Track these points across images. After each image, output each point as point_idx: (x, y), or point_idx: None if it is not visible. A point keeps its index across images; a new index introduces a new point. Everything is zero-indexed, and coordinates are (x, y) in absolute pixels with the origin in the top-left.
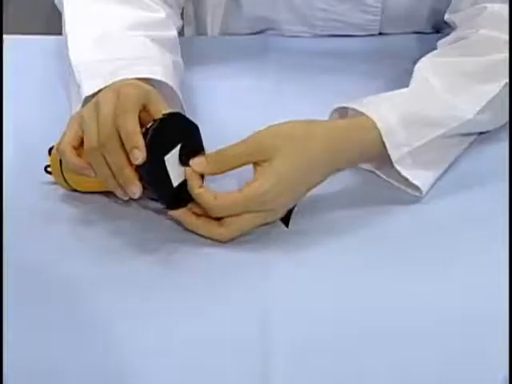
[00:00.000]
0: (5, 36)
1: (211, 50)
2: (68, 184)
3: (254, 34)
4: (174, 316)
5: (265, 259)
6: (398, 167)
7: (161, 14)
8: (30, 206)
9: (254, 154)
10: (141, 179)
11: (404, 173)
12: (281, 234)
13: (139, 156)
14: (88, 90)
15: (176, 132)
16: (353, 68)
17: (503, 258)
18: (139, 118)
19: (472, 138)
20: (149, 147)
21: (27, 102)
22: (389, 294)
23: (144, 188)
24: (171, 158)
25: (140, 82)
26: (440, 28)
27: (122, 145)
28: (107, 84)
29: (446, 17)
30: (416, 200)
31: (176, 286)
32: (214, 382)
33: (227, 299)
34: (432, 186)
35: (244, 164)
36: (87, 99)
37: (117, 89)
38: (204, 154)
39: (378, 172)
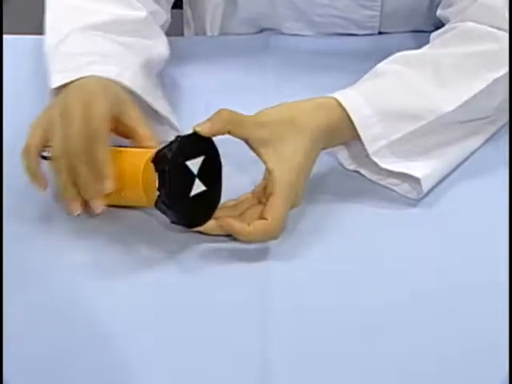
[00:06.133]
0: (4, 36)
1: (212, 49)
2: None
3: (255, 33)
4: (174, 316)
5: (266, 259)
6: (375, 159)
7: (142, 12)
8: (28, 207)
9: (253, 128)
10: (159, 188)
11: (383, 164)
12: (282, 234)
13: (109, 186)
14: (55, 81)
15: (201, 146)
16: (353, 67)
17: (503, 256)
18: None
19: (469, 125)
20: (175, 151)
21: (26, 101)
22: (390, 293)
23: (159, 203)
24: (193, 166)
25: (110, 87)
26: (441, 26)
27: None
28: (73, 79)
29: (439, 12)
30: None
31: (176, 286)
32: (215, 383)
33: (227, 299)
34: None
35: (240, 134)
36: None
37: (86, 100)
38: (221, 176)
39: (382, 182)
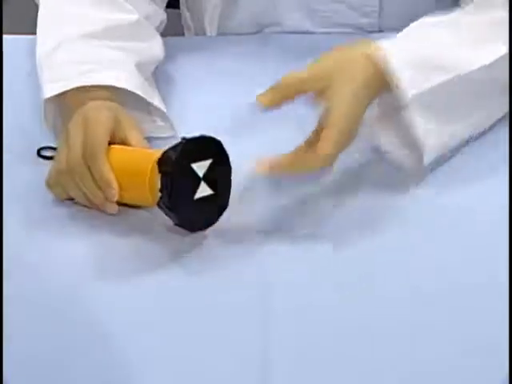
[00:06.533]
0: (4, 36)
1: (211, 49)
2: None
3: (254, 33)
4: (175, 316)
5: (267, 259)
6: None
7: (134, 15)
8: (28, 207)
9: (315, 80)
10: (162, 189)
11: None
12: (282, 234)
13: (114, 192)
14: (47, 92)
15: (209, 150)
16: None
17: (503, 256)
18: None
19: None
20: (180, 152)
21: (26, 101)
22: (391, 293)
23: (161, 204)
24: (199, 169)
25: (105, 102)
26: None
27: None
28: (67, 88)
29: None
30: (418, 195)
31: (177, 286)
32: (215, 383)
33: (228, 299)
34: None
35: (306, 90)
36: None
37: (85, 119)
38: (230, 181)
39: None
